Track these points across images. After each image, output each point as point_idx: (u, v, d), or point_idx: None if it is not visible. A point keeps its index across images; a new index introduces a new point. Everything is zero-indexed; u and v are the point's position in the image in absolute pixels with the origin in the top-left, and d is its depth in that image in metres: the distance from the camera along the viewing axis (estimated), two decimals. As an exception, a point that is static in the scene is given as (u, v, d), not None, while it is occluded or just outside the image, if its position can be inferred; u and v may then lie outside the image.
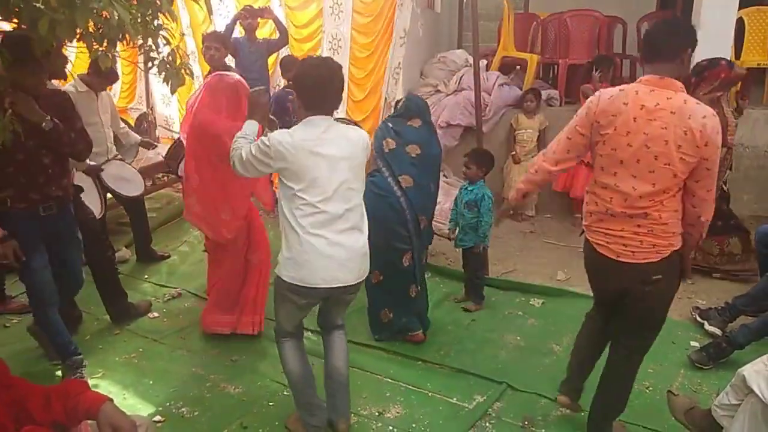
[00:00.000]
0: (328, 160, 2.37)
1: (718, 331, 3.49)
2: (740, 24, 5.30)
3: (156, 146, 5.06)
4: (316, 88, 2.38)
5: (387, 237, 3.29)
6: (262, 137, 2.42)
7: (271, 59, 5.62)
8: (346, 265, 2.45)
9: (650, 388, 3.10)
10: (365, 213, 2.56)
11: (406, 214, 3.33)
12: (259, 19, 5.37)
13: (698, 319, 3.66)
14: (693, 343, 3.48)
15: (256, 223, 3.57)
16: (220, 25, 5.46)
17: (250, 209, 3.53)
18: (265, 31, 5.73)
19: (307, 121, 2.41)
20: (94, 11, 1.99)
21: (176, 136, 6.67)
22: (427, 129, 3.51)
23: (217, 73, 3.46)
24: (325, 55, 5.09)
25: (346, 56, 5.03)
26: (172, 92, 3.07)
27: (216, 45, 4.02)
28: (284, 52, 5.61)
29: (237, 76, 3.39)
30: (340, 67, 2.46)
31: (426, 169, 3.42)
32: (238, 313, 3.57)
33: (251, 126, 2.62)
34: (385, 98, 4.83)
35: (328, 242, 2.39)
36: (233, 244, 3.49)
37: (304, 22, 5.34)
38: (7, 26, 2.52)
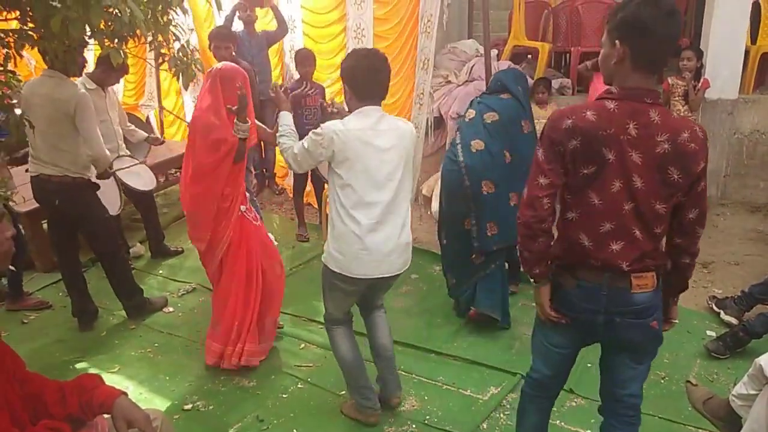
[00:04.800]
0: (378, 151, 2.44)
1: (734, 321, 3.45)
2: (756, 8, 5.21)
3: (163, 141, 5.04)
4: (367, 77, 2.44)
5: (449, 201, 3.48)
6: (314, 129, 2.48)
7: (271, 51, 5.60)
8: (390, 256, 2.52)
9: (666, 378, 3.08)
10: (410, 206, 2.64)
11: (464, 179, 3.39)
12: (257, 10, 5.35)
13: (714, 308, 3.62)
14: (709, 333, 3.45)
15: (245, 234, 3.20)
16: (219, 22, 5.42)
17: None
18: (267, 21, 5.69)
19: (360, 111, 2.47)
20: (108, 9, 2.00)
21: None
22: (513, 101, 3.49)
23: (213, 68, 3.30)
24: (349, 44, 5.07)
25: (369, 45, 5.00)
26: (185, 87, 3.07)
27: (226, 44, 4.26)
28: (288, 41, 5.58)
29: (221, 64, 3.15)
30: (386, 57, 2.53)
31: (499, 136, 3.41)
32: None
33: (286, 118, 2.71)
34: (425, 90, 4.73)
35: (374, 233, 2.46)
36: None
37: (328, 10, 5.25)
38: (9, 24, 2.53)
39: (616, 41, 1.77)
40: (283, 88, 2.84)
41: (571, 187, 1.87)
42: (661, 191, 1.78)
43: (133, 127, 4.61)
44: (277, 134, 2.69)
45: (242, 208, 3.16)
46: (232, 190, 3.06)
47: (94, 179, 3.55)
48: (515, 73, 3.71)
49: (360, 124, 2.43)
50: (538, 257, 1.94)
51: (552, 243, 1.95)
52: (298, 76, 4.91)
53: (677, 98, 4.82)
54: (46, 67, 3.38)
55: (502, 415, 2.86)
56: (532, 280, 2.05)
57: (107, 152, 3.45)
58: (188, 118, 6.49)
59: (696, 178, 1.80)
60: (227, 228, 3.08)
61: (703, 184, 1.85)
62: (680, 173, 1.76)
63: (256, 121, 3.27)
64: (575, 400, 2.93)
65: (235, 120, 2.94)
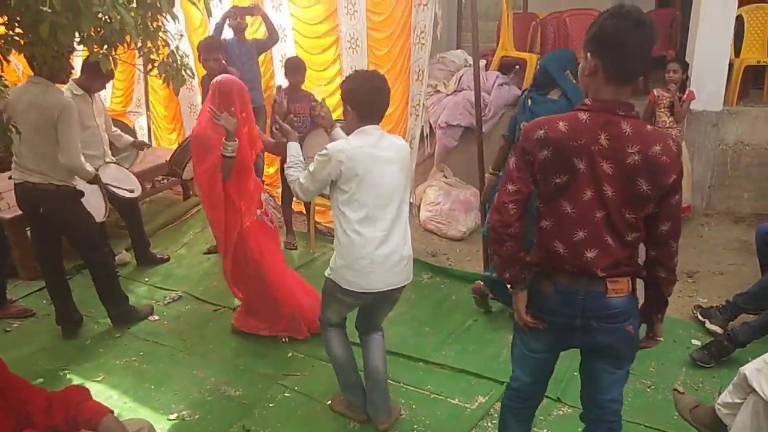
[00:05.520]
0: (382, 166, 2.50)
1: (719, 330, 3.47)
2: (740, 21, 5.29)
3: (149, 146, 4.97)
4: (371, 98, 2.52)
5: None
6: (319, 152, 2.51)
7: (260, 59, 5.59)
8: (396, 268, 2.57)
9: (652, 387, 3.10)
10: (408, 220, 2.68)
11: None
12: (247, 19, 5.34)
13: (699, 317, 3.64)
14: (694, 342, 3.47)
15: (265, 229, 3.49)
16: (212, 29, 5.41)
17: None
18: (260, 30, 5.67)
19: (361, 130, 2.53)
20: (98, 15, 1.99)
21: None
22: (565, 102, 3.21)
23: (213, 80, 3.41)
24: (343, 54, 5.09)
25: (364, 55, 5.00)
26: (176, 92, 3.10)
27: (215, 56, 4.27)
28: (278, 50, 5.57)
29: (221, 77, 3.32)
30: (385, 77, 2.61)
31: None
32: (279, 321, 3.55)
33: (294, 148, 2.78)
34: (420, 102, 4.74)
35: (382, 245, 2.50)
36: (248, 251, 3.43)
37: (319, 20, 5.26)
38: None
39: (588, 54, 1.83)
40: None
41: (544, 196, 1.91)
42: (631, 201, 1.81)
43: (118, 131, 4.57)
44: (285, 165, 2.76)
45: (258, 212, 3.40)
46: (237, 198, 3.30)
47: (79, 186, 3.52)
48: (562, 56, 3.40)
49: (362, 142, 2.50)
50: (507, 261, 1.98)
51: (520, 248, 1.98)
52: (287, 85, 4.90)
53: (663, 110, 4.88)
54: (32, 72, 3.36)
55: (489, 424, 2.86)
56: (508, 285, 2.08)
57: (83, 163, 3.40)
58: (185, 125, 6.49)
59: (668, 191, 1.82)
60: (235, 233, 3.34)
61: (677, 198, 1.86)
62: (649, 185, 1.78)
63: (260, 133, 3.45)
64: (562, 408, 2.93)
65: (222, 140, 3.10)
